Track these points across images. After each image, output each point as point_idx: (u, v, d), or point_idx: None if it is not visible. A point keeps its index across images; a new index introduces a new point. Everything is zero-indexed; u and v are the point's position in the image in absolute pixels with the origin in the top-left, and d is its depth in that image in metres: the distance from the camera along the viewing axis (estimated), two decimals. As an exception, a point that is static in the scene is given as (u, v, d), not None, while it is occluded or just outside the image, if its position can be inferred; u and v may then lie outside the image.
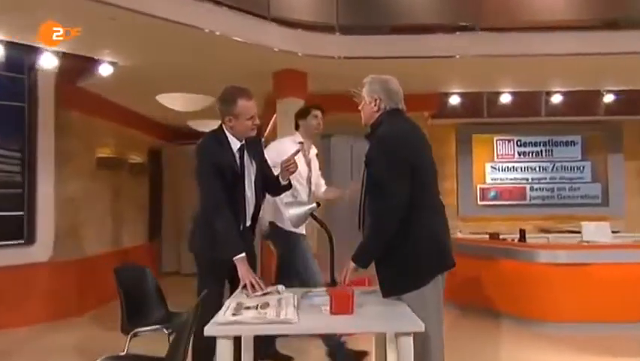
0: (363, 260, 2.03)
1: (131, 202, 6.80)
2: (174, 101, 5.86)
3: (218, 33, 3.71)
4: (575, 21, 4.62)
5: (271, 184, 2.62)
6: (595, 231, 5.23)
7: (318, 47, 4.26)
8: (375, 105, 2.14)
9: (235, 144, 2.45)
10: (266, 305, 1.87)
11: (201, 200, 2.43)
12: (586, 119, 6.64)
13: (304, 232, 3.35)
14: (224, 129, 2.45)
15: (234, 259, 2.29)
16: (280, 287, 2.24)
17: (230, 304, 1.93)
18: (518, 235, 5.17)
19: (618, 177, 6.79)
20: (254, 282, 2.20)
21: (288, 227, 3.12)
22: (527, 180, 7.02)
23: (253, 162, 2.53)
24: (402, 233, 1.95)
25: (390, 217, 1.93)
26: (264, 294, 2.13)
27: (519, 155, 7.07)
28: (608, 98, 6.12)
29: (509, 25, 4.67)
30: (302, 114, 3.50)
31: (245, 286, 2.21)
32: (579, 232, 5.97)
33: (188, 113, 6.27)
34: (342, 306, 1.77)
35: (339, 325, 1.74)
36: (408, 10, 4.76)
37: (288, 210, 2.18)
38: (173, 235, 8.06)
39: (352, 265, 2.04)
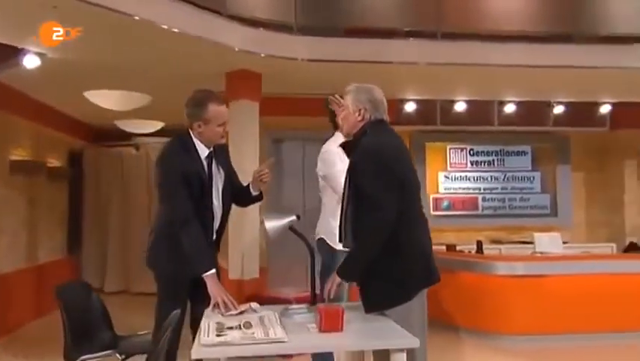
0: (349, 274, 2.12)
1: (49, 211, 6.45)
2: (106, 99, 5.65)
3: (165, 26, 3.67)
4: (530, 33, 5.05)
5: (240, 195, 2.65)
6: (547, 242, 5.71)
7: (278, 48, 4.33)
8: (359, 115, 2.25)
9: (203, 151, 2.46)
10: (249, 325, 1.90)
11: (166, 211, 2.41)
12: (536, 129, 7.22)
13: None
14: (192, 135, 2.46)
15: (205, 275, 2.30)
16: (254, 305, 2.28)
17: (208, 324, 1.94)
18: (475, 247, 5.54)
19: (566, 188, 7.42)
20: (226, 300, 2.22)
21: (334, 243, 2.97)
22: (479, 190, 7.48)
23: (221, 171, 2.56)
24: (389, 247, 2.05)
25: (380, 230, 2.03)
26: (239, 313, 2.16)
27: (471, 164, 7.53)
28: (558, 110, 6.71)
29: (468, 32, 5.02)
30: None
31: (216, 305, 2.23)
32: (530, 243, 6.50)
33: (115, 112, 6.07)
34: (332, 323, 1.84)
35: (331, 343, 1.81)
36: (369, 12, 4.96)
37: (266, 223, 2.23)
38: (96, 248, 7.71)
39: (337, 279, 2.12)
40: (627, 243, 6.47)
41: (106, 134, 7.57)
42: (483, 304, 4.79)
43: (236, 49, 4.03)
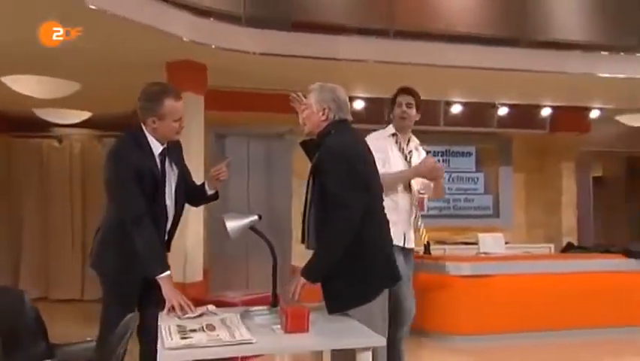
0: (315, 274, 2.20)
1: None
2: (29, 85, 5.41)
3: (107, 10, 3.59)
4: (479, 35, 5.37)
5: (194, 194, 2.67)
6: (491, 243, 6.08)
7: (227, 40, 4.34)
8: (323, 114, 2.34)
9: (157, 148, 2.46)
10: (212, 327, 1.95)
11: (118, 209, 2.39)
12: (480, 130, 7.65)
13: (404, 245, 3.13)
14: (145, 131, 2.45)
15: (159, 277, 2.31)
16: (211, 307, 2.32)
17: (168, 328, 1.96)
18: (423, 248, 5.79)
19: (507, 189, 7.91)
20: (183, 303, 2.25)
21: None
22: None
23: (174, 168, 2.56)
24: (353, 247, 2.16)
25: (346, 230, 2.13)
26: (198, 316, 2.19)
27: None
28: (502, 111, 7.15)
29: (419, 31, 5.26)
30: (392, 101, 3.32)
31: (172, 308, 2.25)
32: (472, 244, 6.88)
33: (35, 100, 5.81)
34: (298, 324, 1.92)
35: (298, 343, 1.89)
36: (319, 7, 5.08)
37: (227, 223, 2.27)
38: (6, 248, 7.27)
39: (302, 280, 2.20)
40: (565, 243, 7.00)
41: (22, 123, 7.17)
42: (433, 305, 5.04)
43: (185, 39, 4.00)
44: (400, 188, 3.20)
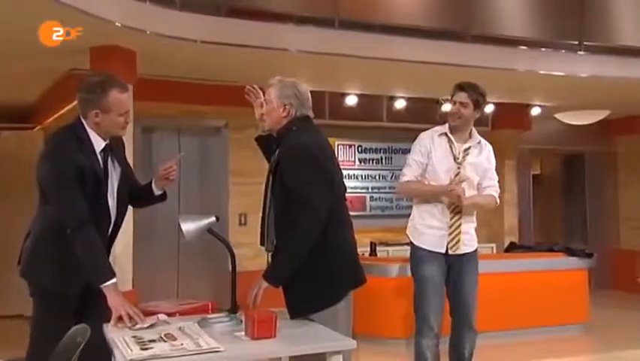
0: (278, 278, 2.27)
1: None
2: None
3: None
4: (424, 28, 5.62)
5: (139, 194, 2.65)
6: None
7: (161, 25, 4.27)
8: (284, 111, 2.41)
9: (98, 144, 2.43)
10: (172, 336, 1.97)
11: (56, 214, 2.33)
12: (424, 127, 7.95)
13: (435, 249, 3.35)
14: (85, 125, 2.41)
15: (104, 286, 2.29)
16: (162, 316, 2.33)
17: (123, 339, 1.96)
18: (369, 249, 6.00)
19: (450, 188, 8.31)
20: (131, 313, 2.24)
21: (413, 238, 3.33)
22: (367, 189, 8.04)
23: (117, 166, 2.54)
24: (316, 248, 2.24)
25: (312, 231, 2.21)
26: (149, 326, 2.19)
27: (360, 162, 8.06)
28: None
29: (364, 22, 5.42)
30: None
31: (119, 319, 2.23)
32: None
33: None
34: (265, 329, 1.99)
35: (269, 350, 1.96)
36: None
37: (182, 225, 2.28)
38: None
39: (265, 284, 2.26)
40: (507, 243, 7.46)
41: None
42: (376, 308, 5.23)
43: (118, 24, 3.91)
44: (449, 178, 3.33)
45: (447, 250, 3.35)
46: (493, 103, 7.53)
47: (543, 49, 5.99)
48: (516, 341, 5.34)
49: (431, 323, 3.37)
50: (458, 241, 3.35)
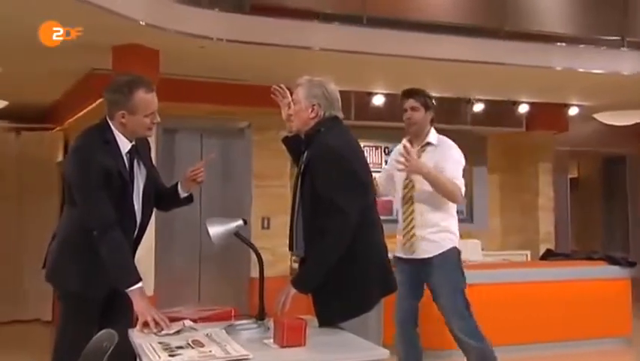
0: (307, 284, 2.28)
1: None
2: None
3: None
4: (457, 25, 5.59)
5: (164, 196, 2.70)
6: (467, 250, 6.35)
7: (185, 23, 4.34)
8: (312, 111, 2.42)
9: (124, 145, 2.48)
10: (199, 343, 2.00)
11: (82, 215, 2.39)
12: (453, 128, 7.91)
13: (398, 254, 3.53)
14: (112, 126, 2.46)
15: (130, 290, 2.33)
16: (188, 322, 2.36)
17: (150, 346, 2.00)
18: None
19: (482, 192, 8.24)
20: (157, 318, 2.28)
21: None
22: (395, 192, 8.02)
23: (142, 168, 2.59)
24: (346, 254, 2.24)
25: (342, 236, 2.22)
26: (176, 332, 2.23)
27: (386, 164, 8.03)
28: (477, 108, 7.45)
29: (393, 20, 5.43)
30: None
31: (145, 325, 2.27)
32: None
33: None
34: (294, 337, 2.00)
35: (298, 358, 1.97)
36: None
37: (209, 228, 2.31)
38: None
39: (293, 290, 2.28)
40: (542, 250, 7.36)
41: None
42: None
43: (142, 22, 3.98)
44: (398, 190, 3.47)
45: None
46: (528, 103, 7.46)
47: (582, 45, 5.91)
48: (552, 354, 5.26)
49: (397, 330, 3.58)
50: (412, 245, 3.48)
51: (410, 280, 3.48)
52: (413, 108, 3.50)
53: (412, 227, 3.49)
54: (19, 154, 7.08)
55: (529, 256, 7.72)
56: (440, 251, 3.48)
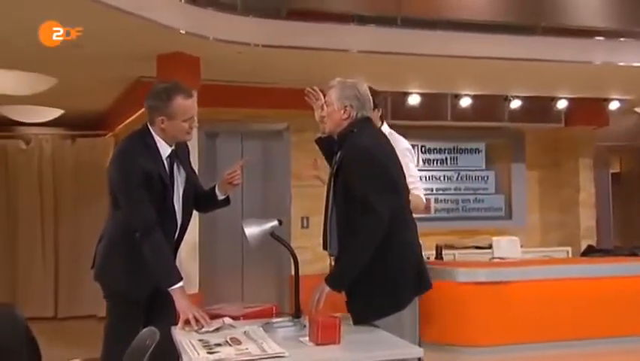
0: (340, 282, 2.27)
1: None
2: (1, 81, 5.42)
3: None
4: (492, 22, 5.47)
5: (203, 199, 2.73)
6: (506, 247, 6.21)
7: (223, 31, 4.39)
8: (345, 113, 2.41)
9: (165, 150, 2.52)
10: (237, 341, 2.01)
11: (125, 217, 2.43)
12: (491, 125, 7.77)
13: None
14: (152, 131, 2.50)
15: (172, 289, 2.36)
16: (227, 320, 2.38)
17: (190, 342, 2.02)
18: (434, 253, 5.90)
19: (520, 188, 8.05)
20: (198, 316, 2.30)
21: None
22: (432, 190, 7.91)
23: (182, 172, 2.62)
24: (379, 252, 2.22)
25: (375, 235, 2.20)
26: (215, 329, 2.24)
27: (424, 163, 7.95)
28: (515, 104, 7.27)
29: (427, 20, 5.35)
30: None
31: (186, 322, 2.30)
32: (483, 248, 6.97)
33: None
34: (329, 335, 1.99)
35: (333, 356, 1.95)
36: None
37: (245, 229, 2.32)
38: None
39: (327, 288, 2.26)
40: (584, 246, 7.14)
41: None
42: (443, 315, 5.12)
43: (182, 31, 4.05)
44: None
45: None
46: (567, 98, 7.25)
47: (622, 38, 5.70)
48: (594, 351, 5.08)
49: None
50: None
51: None
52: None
53: None
54: (74, 160, 7.32)
55: (570, 252, 7.49)
56: None
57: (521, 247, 6.60)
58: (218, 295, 6.01)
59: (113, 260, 2.52)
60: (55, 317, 7.06)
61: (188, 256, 4.82)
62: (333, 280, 2.27)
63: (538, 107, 7.48)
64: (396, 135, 3.30)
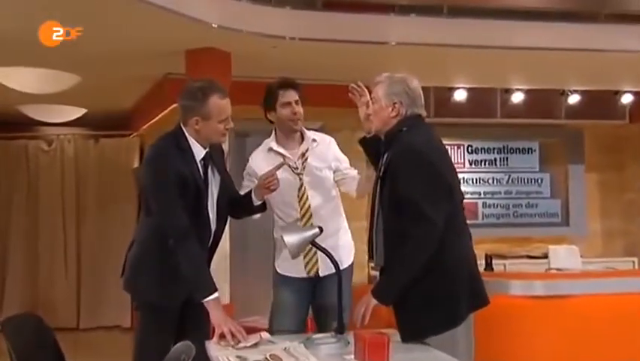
0: (387, 295, 2.24)
1: None
2: (23, 79, 5.57)
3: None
4: (546, 10, 5.37)
5: (238, 204, 2.74)
6: (564, 256, 6.07)
7: (256, 24, 4.42)
8: (393, 110, 2.38)
9: (199, 152, 2.54)
10: (276, 358, 2.00)
11: (159, 223, 2.46)
12: (546, 122, 7.62)
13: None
14: (186, 132, 2.52)
15: (206, 300, 2.38)
16: (265, 334, 2.38)
17: (226, 358, 2.03)
18: (484, 262, 5.80)
19: (579, 192, 7.86)
20: (234, 330, 2.31)
21: None
22: (479, 194, 7.80)
23: (216, 175, 2.64)
24: (431, 263, 2.19)
25: (427, 245, 2.17)
26: (253, 345, 2.25)
27: (470, 164, 7.85)
28: (573, 99, 7.11)
29: (473, 8, 5.27)
30: (268, 101, 3.07)
31: (221, 336, 2.31)
32: (538, 258, 6.82)
33: (20, 95, 5.93)
34: (377, 355, 1.97)
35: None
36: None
37: (285, 238, 2.32)
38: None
39: (373, 301, 2.24)
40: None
41: (2, 122, 7.33)
42: (495, 331, 5.03)
43: (214, 25, 4.09)
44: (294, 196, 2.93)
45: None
46: (632, 92, 7.05)
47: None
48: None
49: None
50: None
51: None
52: (298, 102, 3.01)
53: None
54: (98, 160, 7.48)
55: (636, 263, 7.28)
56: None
57: (581, 257, 6.45)
58: (251, 306, 6.03)
59: (145, 269, 2.55)
60: (77, 327, 7.20)
61: (218, 264, 4.85)
62: (381, 292, 2.25)
63: (599, 103, 7.29)
64: (328, 138, 3.20)
